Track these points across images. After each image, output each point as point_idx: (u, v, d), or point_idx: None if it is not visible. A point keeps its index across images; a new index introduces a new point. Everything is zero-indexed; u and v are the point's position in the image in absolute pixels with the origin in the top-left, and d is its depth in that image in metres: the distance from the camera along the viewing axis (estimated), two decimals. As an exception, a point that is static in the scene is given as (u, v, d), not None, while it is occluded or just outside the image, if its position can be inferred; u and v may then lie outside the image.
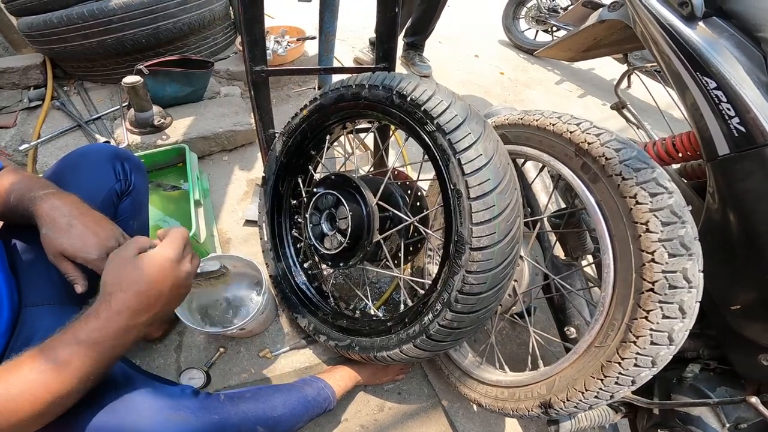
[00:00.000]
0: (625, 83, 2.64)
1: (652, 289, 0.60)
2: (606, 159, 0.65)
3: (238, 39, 2.09)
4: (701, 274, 0.60)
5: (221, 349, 1.21)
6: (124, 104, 1.71)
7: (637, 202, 0.61)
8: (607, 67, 2.97)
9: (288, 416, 0.88)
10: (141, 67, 1.55)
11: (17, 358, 0.56)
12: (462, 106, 0.75)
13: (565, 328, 0.96)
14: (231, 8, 2.18)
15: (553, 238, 0.97)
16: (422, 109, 0.76)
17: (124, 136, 1.56)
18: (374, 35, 2.35)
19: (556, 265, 0.96)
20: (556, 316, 1.00)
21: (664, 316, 0.60)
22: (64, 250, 0.68)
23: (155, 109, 1.58)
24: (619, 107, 1.25)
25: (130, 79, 1.45)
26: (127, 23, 1.70)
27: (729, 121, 0.64)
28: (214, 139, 1.67)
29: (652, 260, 0.60)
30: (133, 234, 0.97)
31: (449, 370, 1.12)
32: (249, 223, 1.51)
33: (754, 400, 0.68)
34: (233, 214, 1.57)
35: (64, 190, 0.78)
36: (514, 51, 3.12)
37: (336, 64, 2.16)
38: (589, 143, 0.68)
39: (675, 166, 1.08)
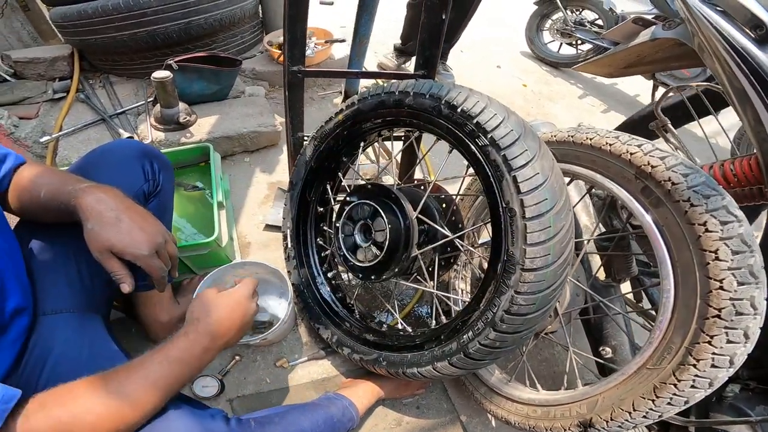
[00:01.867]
0: (647, 99, 2.62)
1: (718, 316, 0.60)
2: (673, 184, 0.63)
3: (266, 38, 2.09)
4: (766, 302, 0.60)
5: (236, 357, 1.18)
6: (149, 99, 1.71)
7: (707, 230, 0.59)
8: (630, 83, 2.95)
9: None
10: (171, 62, 1.54)
11: (81, 381, 0.59)
12: (517, 121, 0.73)
13: (601, 348, 0.95)
14: (261, 7, 2.18)
15: (594, 259, 0.95)
16: (474, 121, 0.74)
17: (148, 132, 1.55)
18: (398, 41, 2.36)
19: (596, 287, 0.94)
20: (590, 335, 0.99)
21: (729, 341, 0.61)
22: (112, 246, 0.66)
23: (181, 105, 1.57)
24: (659, 126, 1.23)
25: (160, 74, 1.45)
26: (161, 17, 1.70)
27: None
28: (238, 140, 1.66)
29: (721, 288, 0.60)
30: None
31: (474, 386, 1.10)
32: (269, 227, 1.49)
33: None
34: (253, 218, 1.55)
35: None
36: (537, 63, 3.11)
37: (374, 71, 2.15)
38: (653, 166, 0.66)
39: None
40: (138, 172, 0.89)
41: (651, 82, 2.00)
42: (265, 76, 2.01)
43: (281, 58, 1.81)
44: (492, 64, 2.95)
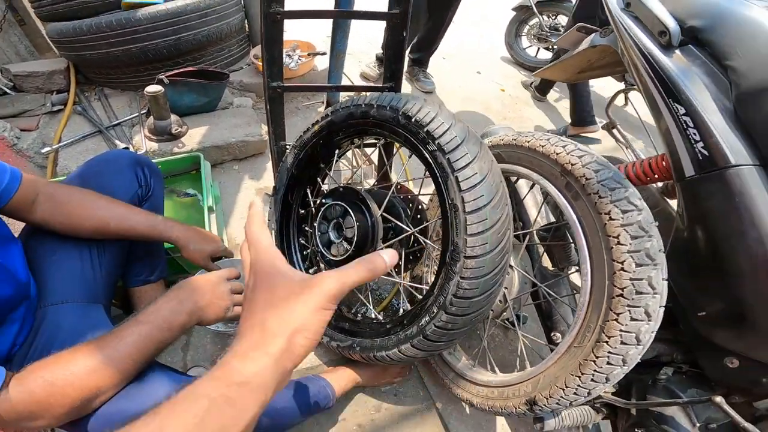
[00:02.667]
0: (621, 101, 2.75)
1: (621, 295, 0.69)
2: (586, 179, 0.74)
3: (252, 51, 2.20)
4: (665, 282, 0.69)
5: (227, 349, 1.28)
6: (142, 111, 1.81)
7: (611, 218, 0.69)
8: (604, 86, 3.07)
9: (290, 409, 0.95)
10: (162, 77, 1.64)
11: (85, 343, 0.68)
12: (461, 128, 0.84)
13: (552, 334, 1.03)
14: (246, 22, 2.29)
15: (541, 249, 1.05)
16: (425, 129, 0.84)
17: (142, 143, 1.65)
18: (381, 51, 2.47)
19: (545, 275, 1.04)
20: (544, 322, 1.08)
21: (632, 319, 0.69)
22: (211, 254, 1.03)
23: (173, 117, 1.68)
24: (609, 128, 1.34)
25: (152, 88, 1.55)
26: (152, 33, 1.81)
27: (695, 145, 0.72)
28: (227, 149, 1.77)
29: (622, 269, 0.69)
30: None
31: (443, 372, 1.19)
32: (258, 229, 1.58)
33: (719, 399, 0.74)
34: (242, 221, 1.64)
35: (96, 190, 0.91)
36: (516, 68, 3.23)
37: (344, 79, 2.26)
38: (572, 164, 0.77)
39: (659, 185, 1.17)
40: (132, 178, 1.00)
41: (622, 85, 2.12)
42: (252, 88, 2.11)
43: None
44: (472, 69, 3.07)
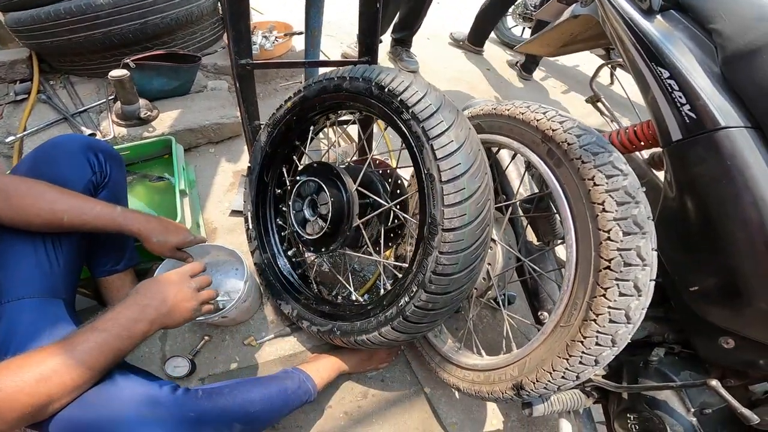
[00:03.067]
0: (608, 80, 2.71)
1: (608, 267, 0.64)
2: (568, 144, 0.69)
3: (226, 35, 2.11)
4: (655, 253, 0.64)
5: (206, 338, 1.23)
6: (110, 97, 1.72)
7: (595, 184, 0.65)
8: (592, 64, 3.03)
9: (266, 411, 0.89)
10: (128, 61, 1.56)
11: (39, 350, 0.65)
12: (436, 96, 0.79)
13: (539, 313, 0.99)
14: (219, 4, 2.19)
15: (525, 222, 1.01)
16: (399, 99, 0.80)
17: (110, 129, 1.57)
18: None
19: (530, 250, 1.00)
20: (530, 301, 1.04)
21: (621, 294, 0.64)
22: (177, 245, 0.98)
23: (142, 102, 1.60)
24: (593, 101, 1.29)
25: (116, 72, 1.47)
26: (115, 18, 1.71)
27: (681, 108, 0.68)
28: (201, 132, 1.69)
29: (608, 238, 0.64)
30: None
31: (429, 356, 1.15)
32: (235, 213, 1.53)
33: (714, 383, 0.70)
34: (219, 205, 1.59)
35: (45, 180, 0.85)
36: (501, 48, 3.17)
37: (323, 58, 2.19)
38: (553, 130, 0.72)
39: (645, 156, 1.13)
40: (84, 164, 0.94)
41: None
42: (226, 71, 2.03)
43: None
44: (457, 50, 3.00)
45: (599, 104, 1.27)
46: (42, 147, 0.94)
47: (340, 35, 2.80)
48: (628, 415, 0.86)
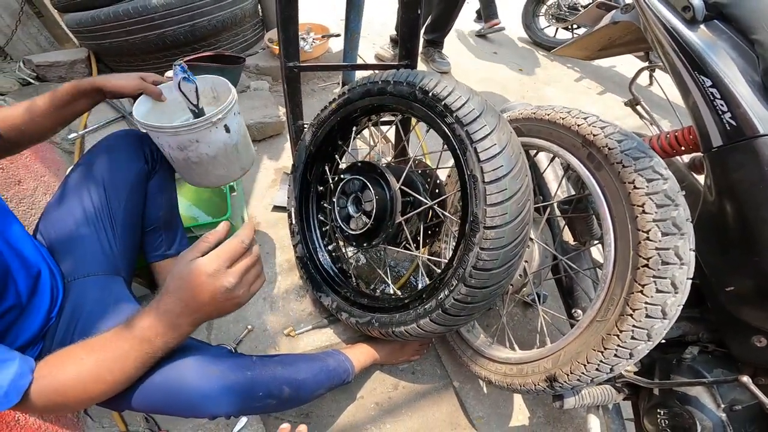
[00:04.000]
0: (646, 81, 2.67)
1: (646, 265, 0.67)
2: (609, 149, 0.72)
3: (266, 36, 2.20)
4: (692, 253, 0.67)
5: (249, 327, 1.30)
6: (162, 97, 1.83)
7: (635, 187, 0.68)
8: (628, 65, 2.98)
9: (311, 381, 0.95)
10: (180, 62, 1.66)
11: (81, 345, 0.67)
12: (479, 101, 0.83)
13: (573, 311, 1.02)
14: (260, 6, 2.29)
15: (562, 223, 1.04)
16: (443, 103, 0.84)
17: (164, 127, 1.68)
18: (395, 33, 2.45)
19: (566, 250, 1.03)
20: (564, 299, 1.07)
21: (658, 291, 0.67)
22: (155, 79, 1.07)
23: (192, 101, 1.69)
24: (633, 104, 1.31)
25: (171, 73, 1.57)
26: (168, 20, 1.83)
27: (722, 116, 0.70)
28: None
29: (647, 238, 0.67)
30: (160, 209, 1.10)
31: (461, 350, 1.19)
32: (276, 208, 1.61)
33: (745, 379, 0.71)
34: (262, 200, 1.68)
35: (103, 170, 0.97)
36: (534, 48, 3.16)
37: (358, 61, 2.25)
38: (594, 135, 0.75)
39: (686, 160, 1.14)
40: (140, 156, 1.04)
41: (646, 64, 2.06)
42: (268, 71, 2.12)
43: (283, 54, 1.92)
44: (489, 51, 3.01)
45: (638, 107, 1.29)
46: (107, 138, 1.05)
47: (371, 36, 2.86)
48: (658, 410, 0.88)
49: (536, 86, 2.66)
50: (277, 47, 2.06)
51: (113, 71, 2.15)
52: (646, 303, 0.68)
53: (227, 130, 1.10)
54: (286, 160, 1.83)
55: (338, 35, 2.06)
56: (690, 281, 0.67)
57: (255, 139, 1.87)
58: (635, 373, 0.91)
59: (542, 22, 3.27)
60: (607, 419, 0.97)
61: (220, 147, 1.09)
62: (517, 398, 1.30)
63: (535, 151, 0.98)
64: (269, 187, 1.73)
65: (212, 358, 0.77)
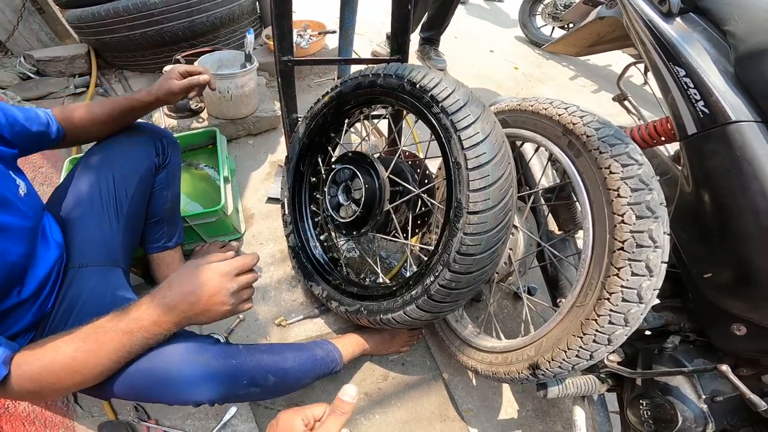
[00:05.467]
0: (640, 80, 2.69)
1: (622, 248, 0.69)
2: (587, 136, 0.74)
3: (264, 32, 2.23)
4: (666, 236, 0.69)
5: (240, 317, 1.32)
6: (160, 91, 1.86)
7: (611, 172, 0.70)
8: (622, 63, 2.98)
9: (297, 370, 0.96)
10: (179, 57, 1.69)
11: (63, 335, 0.69)
12: (464, 92, 0.85)
13: (558, 300, 1.03)
14: (257, 3, 2.32)
15: (546, 211, 1.06)
16: (429, 94, 0.87)
17: (162, 120, 1.71)
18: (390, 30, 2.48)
19: (551, 238, 1.06)
20: (550, 289, 1.09)
21: (633, 274, 0.69)
22: (179, 77, 1.05)
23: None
24: (620, 99, 1.33)
25: (170, 68, 1.59)
26: (167, 16, 1.85)
27: (696, 104, 0.73)
28: (242, 124, 1.82)
29: (622, 221, 0.69)
30: (165, 202, 1.12)
31: (450, 340, 1.21)
32: (271, 200, 1.64)
33: (725, 368, 0.72)
34: (257, 193, 1.70)
35: (116, 158, 1.00)
36: (530, 47, 3.18)
37: (353, 56, 2.27)
38: (573, 123, 0.78)
39: (671, 152, 1.16)
40: (151, 148, 1.07)
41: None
42: (264, 67, 2.14)
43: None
44: (485, 48, 3.04)
45: (626, 102, 1.31)
46: (122, 131, 1.08)
47: (369, 33, 2.89)
48: (640, 401, 0.89)
49: (531, 84, 2.69)
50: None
51: (112, 66, 2.18)
52: (622, 287, 0.69)
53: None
54: (281, 153, 1.86)
55: (334, 32, 2.08)
56: (665, 265, 0.69)
57: (251, 132, 1.90)
58: (618, 363, 0.92)
59: (539, 21, 3.29)
60: (592, 411, 0.98)
61: (242, 90, 1.67)
62: (506, 391, 1.31)
63: (521, 141, 1.00)
64: (264, 179, 1.76)
65: (198, 345, 0.79)
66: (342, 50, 1.64)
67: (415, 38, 2.63)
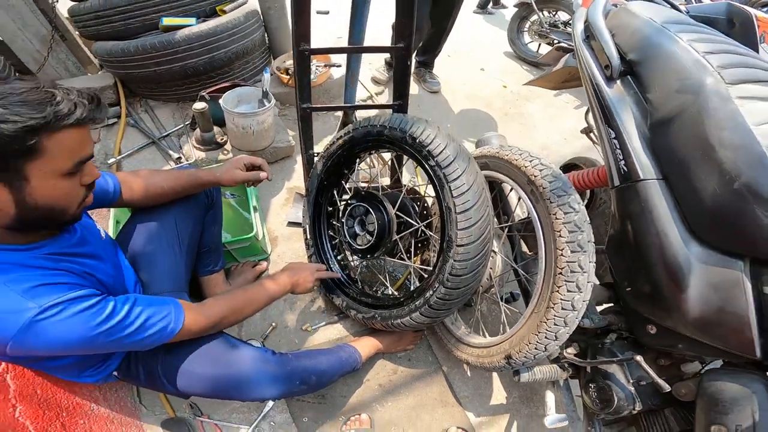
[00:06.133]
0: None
1: (561, 273, 0.98)
2: (543, 188, 1.03)
3: (274, 63, 2.49)
4: (592, 264, 0.97)
5: (273, 324, 1.60)
6: (186, 123, 2.12)
7: (556, 217, 0.99)
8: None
9: (329, 370, 1.28)
10: (204, 94, 1.96)
11: (230, 292, 1.11)
12: (454, 147, 1.13)
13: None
14: (266, 36, 2.58)
15: (518, 238, 1.35)
16: (427, 149, 1.13)
17: (192, 152, 1.98)
18: (389, 56, 2.74)
19: (524, 259, 1.35)
20: (524, 297, 1.38)
21: (568, 291, 0.97)
22: (246, 167, 1.28)
23: (216, 128, 2.00)
24: (587, 131, 1.61)
25: (198, 105, 1.85)
26: (190, 53, 2.08)
27: (619, 162, 0.99)
28: (261, 154, 2.07)
29: (561, 254, 0.98)
30: (213, 235, 1.39)
31: (447, 339, 1.49)
32: (291, 224, 1.92)
33: (638, 358, 0.96)
34: (278, 217, 1.98)
35: (177, 204, 1.24)
36: (518, 63, 3.46)
37: (358, 84, 2.54)
38: (534, 176, 1.06)
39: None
40: (203, 194, 1.33)
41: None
42: (276, 97, 2.40)
43: (290, 81, 2.22)
44: (477, 67, 3.32)
45: (592, 134, 1.59)
46: None
47: (369, 57, 3.14)
48: (589, 385, 1.14)
49: (518, 102, 2.98)
50: (284, 75, 2.37)
51: (136, 95, 2.40)
52: (561, 299, 0.98)
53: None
54: (297, 180, 2.13)
55: (339, 65, 2.35)
56: (591, 284, 0.98)
57: (268, 161, 2.16)
58: (575, 355, 1.19)
59: (526, 37, 3.57)
60: (560, 394, 1.27)
61: (262, 126, 1.94)
62: (496, 381, 1.59)
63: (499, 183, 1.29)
64: (283, 204, 2.03)
65: (263, 356, 1.12)
66: (348, 89, 1.90)
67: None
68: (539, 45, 3.47)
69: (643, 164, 0.97)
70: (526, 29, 3.55)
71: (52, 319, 0.75)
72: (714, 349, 0.89)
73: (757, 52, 2.21)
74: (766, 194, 0.78)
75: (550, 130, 2.79)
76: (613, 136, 1.04)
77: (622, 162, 1.01)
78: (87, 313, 0.79)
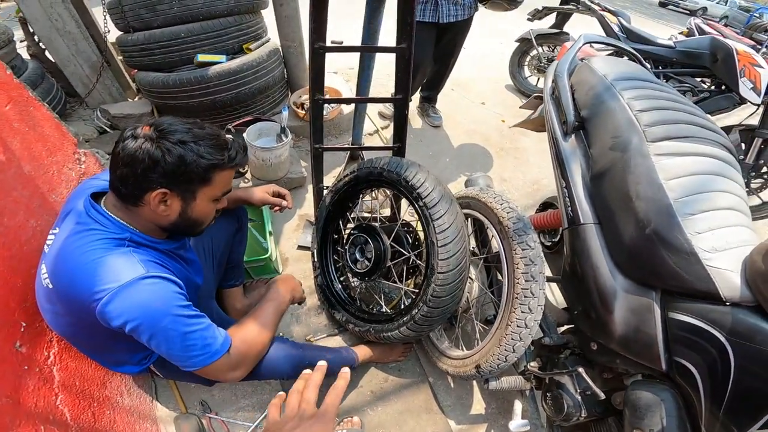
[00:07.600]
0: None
1: (517, 298, 1.25)
2: (507, 227, 1.32)
3: (291, 98, 2.82)
4: (542, 291, 1.23)
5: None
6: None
7: (515, 252, 1.28)
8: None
9: (332, 360, 1.53)
10: (230, 127, 2.30)
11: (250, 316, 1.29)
12: (439, 190, 1.42)
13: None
14: (285, 71, 2.92)
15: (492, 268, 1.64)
16: (417, 191, 1.43)
17: (216, 180, 2.31)
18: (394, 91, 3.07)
19: (498, 284, 1.64)
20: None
21: (522, 312, 1.23)
22: (277, 190, 1.55)
23: (238, 159, 2.33)
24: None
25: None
26: (220, 88, 2.38)
27: (567, 208, 1.26)
28: (276, 183, 2.39)
29: (518, 282, 1.25)
30: (238, 254, 1.69)
31: (432, 351, 1.74)
32: (300, 247, 2.22)
33: (580, 370, 1.17)
34: (289, 241, 2.28)
35: (212, 227, 1.50)
36: (518, 96, 3.78)
37: (365, 118, 2.87)
38: (502, 217, 1.35)
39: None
40: (234, 219, 1.62)
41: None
42: (291, 130, 2.71)
43: (305, 116, 2.55)
44: (478, 101, 3.64)
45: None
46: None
47: (375, 87, 3.45)
48: (547, 393, 1.31)
49: (514, 137, 3.28)
50: (299, 110, 2.71)
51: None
52: (517, 319, 1.24)
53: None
54: (307, 207, 2.42)
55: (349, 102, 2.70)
56: (541, 307, 1.25)
57: (283, 189, 2.50)
58: (538, 368, 1.42)
59: (526, 71, 3.89)
60: (525, 403, 1.50)
61: (279, 159, 2.26)
62: (476, 393, 1.81)
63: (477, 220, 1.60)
64: (294, 230, 2.34)
65: (281, 340, 1.40)
66: (356, 127, 2.20)
67: (415, 97, 3.21)
68: (538, 79, 3.79)
69: (584, 210, 1.23)
70: (525, 63, 3.86)
71: (150, 286, 0.96)
72: (635, 363, 1.10)
73: (737, 85, 2.48)
74: (670, 240, 1.00)
75: (542, 165, 3.06)
76: (564, 185, 1.30)
77: (569, 208, 1.28)
78: (175, 295, 1.00)
